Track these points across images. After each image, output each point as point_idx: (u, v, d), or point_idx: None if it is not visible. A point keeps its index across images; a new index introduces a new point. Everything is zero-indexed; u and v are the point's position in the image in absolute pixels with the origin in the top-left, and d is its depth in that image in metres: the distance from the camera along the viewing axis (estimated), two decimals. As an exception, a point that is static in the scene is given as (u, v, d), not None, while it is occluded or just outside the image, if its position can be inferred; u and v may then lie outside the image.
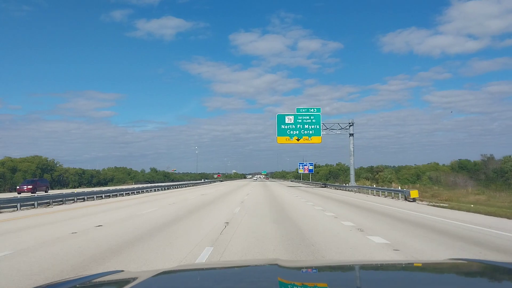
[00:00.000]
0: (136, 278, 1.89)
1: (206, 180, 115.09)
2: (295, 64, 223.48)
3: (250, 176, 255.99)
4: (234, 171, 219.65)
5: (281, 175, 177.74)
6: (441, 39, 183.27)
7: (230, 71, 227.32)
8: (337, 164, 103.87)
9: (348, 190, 45.44)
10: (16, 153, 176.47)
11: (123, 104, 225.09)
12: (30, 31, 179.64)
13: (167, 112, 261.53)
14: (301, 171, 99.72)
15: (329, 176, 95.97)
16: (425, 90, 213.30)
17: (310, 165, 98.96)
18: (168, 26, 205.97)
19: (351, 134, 52.19)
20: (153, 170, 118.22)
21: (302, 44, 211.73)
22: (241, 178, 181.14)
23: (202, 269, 2.57)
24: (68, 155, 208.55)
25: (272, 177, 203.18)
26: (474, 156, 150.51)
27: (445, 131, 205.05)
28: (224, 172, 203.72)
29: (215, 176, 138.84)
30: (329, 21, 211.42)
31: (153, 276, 1.94)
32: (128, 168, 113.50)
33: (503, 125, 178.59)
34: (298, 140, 49.31)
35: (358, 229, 12.14)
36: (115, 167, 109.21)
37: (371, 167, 79.88)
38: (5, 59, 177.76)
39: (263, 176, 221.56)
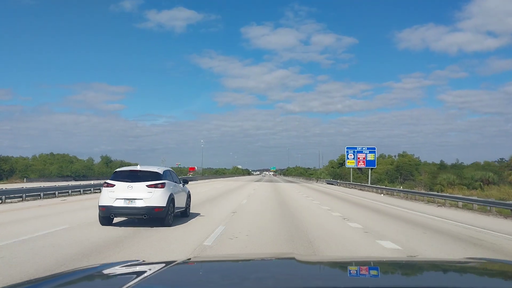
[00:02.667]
0: (150, 269, 1.88)
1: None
2: (308, 59, 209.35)
3: (258, 172, 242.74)
4: (236, 166, 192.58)
5: (299, 172, 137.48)
6: (459, 36, 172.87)
7: (242, 65, 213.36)
8: (401, 155, 71.84)
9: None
10: (26, 145, 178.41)
11: (132, 98, 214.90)
12: (38, 20, 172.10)
13: (176, 107, 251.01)
14: (350, 163, 53.15)
15: (386, 176, 62.77)
16: (440, 89, 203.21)
17: (370, 151, 52.34)
18: (179, 17, 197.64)
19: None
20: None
21: (315, 39, 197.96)
22: (242, 175, 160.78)
23: (217, 261, 2.53)
24: (78, 148, 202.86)
25: (285, 175, 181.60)
26: (488, 157, 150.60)
27: (458, 131, 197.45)
28: (224, 168, 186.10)
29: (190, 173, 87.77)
30: (344, 15, 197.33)
31: (168, 267, 1.90)
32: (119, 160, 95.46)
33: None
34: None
35: None
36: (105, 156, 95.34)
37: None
38: (15, 49, 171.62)
39: (272, 173, 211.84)
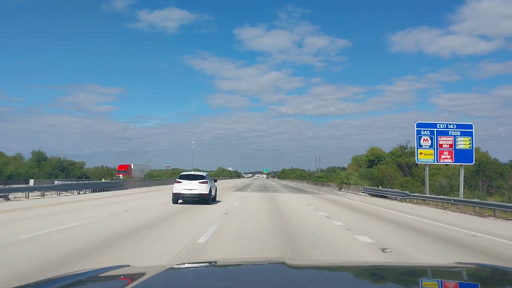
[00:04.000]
0: (143, 273, 1.92)
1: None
2: (301, 61, 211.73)
3: (250, 175, 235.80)
4: (223, 167, 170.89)
5: (299, 175, 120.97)
6: (452, 39, 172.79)
7: (234, 67, 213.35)
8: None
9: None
10: (17, 146, 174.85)
11: (124, 99, 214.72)
12: (29, 21, 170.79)
13: (168, 109, 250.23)
14: (426, 155, 29.60)
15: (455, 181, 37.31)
16: (433, 93, 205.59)
17: (464, 133, 29.43)
18: (171, 18, 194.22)
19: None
20: None
21: (309, 41, 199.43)
22: (230, 178, 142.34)
23: (210, 266, 2.55)
24: (69, 150, 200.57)
25: (280, 177, 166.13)
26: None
27: None
28: (210, 170, 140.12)
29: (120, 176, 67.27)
30: (338, 17, 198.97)
31: (160, 272, 1.95)
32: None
33: (509, 130, 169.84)
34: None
35: None
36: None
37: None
38: (5, 49, 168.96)
39: (265, 176, 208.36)
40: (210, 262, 2.87)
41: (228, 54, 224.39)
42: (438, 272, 2.33)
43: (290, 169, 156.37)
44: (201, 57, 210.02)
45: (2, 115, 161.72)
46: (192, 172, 21.05)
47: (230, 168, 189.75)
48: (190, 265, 2.64)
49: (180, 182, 18.72)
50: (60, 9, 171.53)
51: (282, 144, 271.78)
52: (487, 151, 55.04)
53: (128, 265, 2.52)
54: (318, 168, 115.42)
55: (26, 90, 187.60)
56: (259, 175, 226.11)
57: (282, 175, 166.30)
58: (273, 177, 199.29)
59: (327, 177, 68.17)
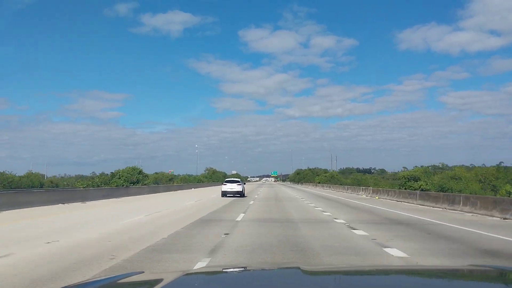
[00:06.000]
0: (160, 279, 1.95)
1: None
2: (307, 62, 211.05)
3: (257, 179, 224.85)
4: (210, 167, 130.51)
5: (326, 178, 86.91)
6: (461, 36, 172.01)
7: (240, 70, 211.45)
8: None
9: None
10: (25, 155, 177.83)
11: (130, 105, 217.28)
12: (32, 28, 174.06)
13: (175, 113, 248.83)
14: None
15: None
16: (442, 91, 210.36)
17: None
18: (175, 21, 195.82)
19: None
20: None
21: (315, 41, 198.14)
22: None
23: (225, 272, 2.56)
24: (77, 157, 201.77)
25: (294, 181, 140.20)
26: (488, 160, 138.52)
27: (459, 133, 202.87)
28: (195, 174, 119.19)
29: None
30: (345, 15, 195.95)
31: (176, 279, 1.99)
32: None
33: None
34: None
35: None
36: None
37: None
38: (9, 56, 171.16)
39: (273, 179, 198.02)
40: (224, 268, 2.92)
41: (233, 57, 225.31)
42: (452, 275, 2.32)
43: (309, 170, 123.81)
44: (206, 60, 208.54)
45: (9, 124, 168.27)
46: (232, 178, 34.99)
47: (234, 171, 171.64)
48: (205, 271, 2.93)
49: (226, 184, 32.31)
50: (62, 16, 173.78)
51: (289, 147, 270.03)
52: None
53: (143, 272, 2.61)
54: (332, 170, 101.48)
55: (31, 98, 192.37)
56: (267, 178, 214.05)
57: (297, 177, 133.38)
58: (283, 181, 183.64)
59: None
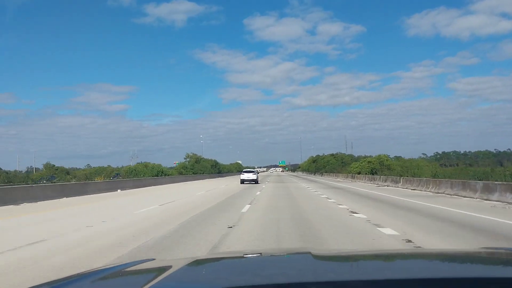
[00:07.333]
0: (170, 266, 1.96)
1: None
2: (314, 50, 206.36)
3: (264, 169, 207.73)
4: (193, 153, 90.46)
5: (364, 167, 52.02)
6: (471, 20, 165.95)
7: (246, 59, 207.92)
8: None
9: None
10: (33, 149, 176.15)
11: (136, 97, 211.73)
12: (35, 21, 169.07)
13: (181, 105, 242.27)
14: None
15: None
16: (451, 77, 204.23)
17: None
18: (179, 10, 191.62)
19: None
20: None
21: (322, 28, 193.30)
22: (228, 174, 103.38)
23: (235, 257, 2.57)
24: (85, 150, 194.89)
25: (308, 171, 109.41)
26: (498, 146, 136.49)
27: (468, 120, 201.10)
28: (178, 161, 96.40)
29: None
30: (352, 1, 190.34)
31: (187, 265, 1.99)
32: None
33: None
34: None
35: None
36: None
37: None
38: (14, 51, 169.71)
39: (280, 169, 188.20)
40: (235, 254, 3.02)
41: (238, 46, 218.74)
42: (466, 258, 2.28)
43: (332, 156, 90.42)
44: (211, 50, 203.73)
45: (16, 118, 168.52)
46: (249, 169, 43.51)
47: (240, 161, 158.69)
48: (215, 256, 2.85)
49: (243, 174, 40.68)
50: (65, 8, 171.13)
51: (297, 137, 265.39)
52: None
53: (154, 259, 2.58)
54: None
55: (37, 92, 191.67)
56: (274, 169, 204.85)
57: (313, 166, 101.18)
58: (293, 171, 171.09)
59: None
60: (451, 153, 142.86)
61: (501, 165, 42.38)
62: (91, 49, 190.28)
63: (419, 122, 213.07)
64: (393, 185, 32.50)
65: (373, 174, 45.98)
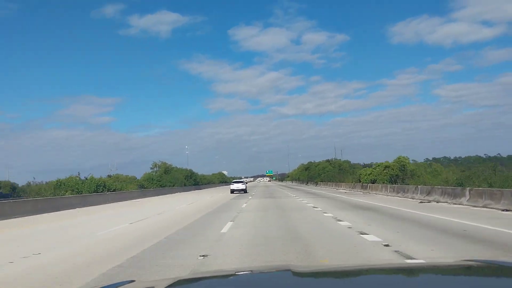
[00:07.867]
0: (152, 287, 1.95)
1: None
2: (300, 60, 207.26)
3: (252, 179, 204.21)
4: (163, 161, 74.56)
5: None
6: (454, 27, 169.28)
7: (231, 69, 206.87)
8: None
9: None
10: (19, 163, 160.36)
11: (122, 109, 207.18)
12: (18, 33, 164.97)
13: (168, 116, 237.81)
14: None
15: None
16: (435, 84, 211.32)
17: None
18: (163, 21, 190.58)
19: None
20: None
21: (306, 38, 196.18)
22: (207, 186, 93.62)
23: (217, 276, 2.58)
24: (71, 163, 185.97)
25: (300, 180, 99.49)
26: (485, 151, 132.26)
27: (454, 126, 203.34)
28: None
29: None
30: (336, 10, 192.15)
31: (169, 286, 1.94)
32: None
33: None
34: None
35: None
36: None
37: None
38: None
39: (267, 179, 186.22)
40: (216, 273, 3.00)
41: (224, 56, 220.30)
42: (445, 270, 2.27)
43: (328, 162, 79.36)
44: (197, 60, 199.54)
45: (1, 132, 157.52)
46: (239, 180, 46.14)
47: (225, 172, 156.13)
48: (197, 276, 2.78)
49: (233, 184, 43.37)
50: (49, 21, 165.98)
51: (285, 146, 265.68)
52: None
53: (133, 280, 2.49)
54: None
55: (22, 106, 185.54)
56: (261, 178, 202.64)
57: (304, 175, 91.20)
58: (281, 180, 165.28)
59: None
60: (441, 158, 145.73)
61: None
62: (75, 61, 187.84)
63: (406, 129, 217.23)
64: (450, 201, 20.11)
65: (393, 183, 34.04)
